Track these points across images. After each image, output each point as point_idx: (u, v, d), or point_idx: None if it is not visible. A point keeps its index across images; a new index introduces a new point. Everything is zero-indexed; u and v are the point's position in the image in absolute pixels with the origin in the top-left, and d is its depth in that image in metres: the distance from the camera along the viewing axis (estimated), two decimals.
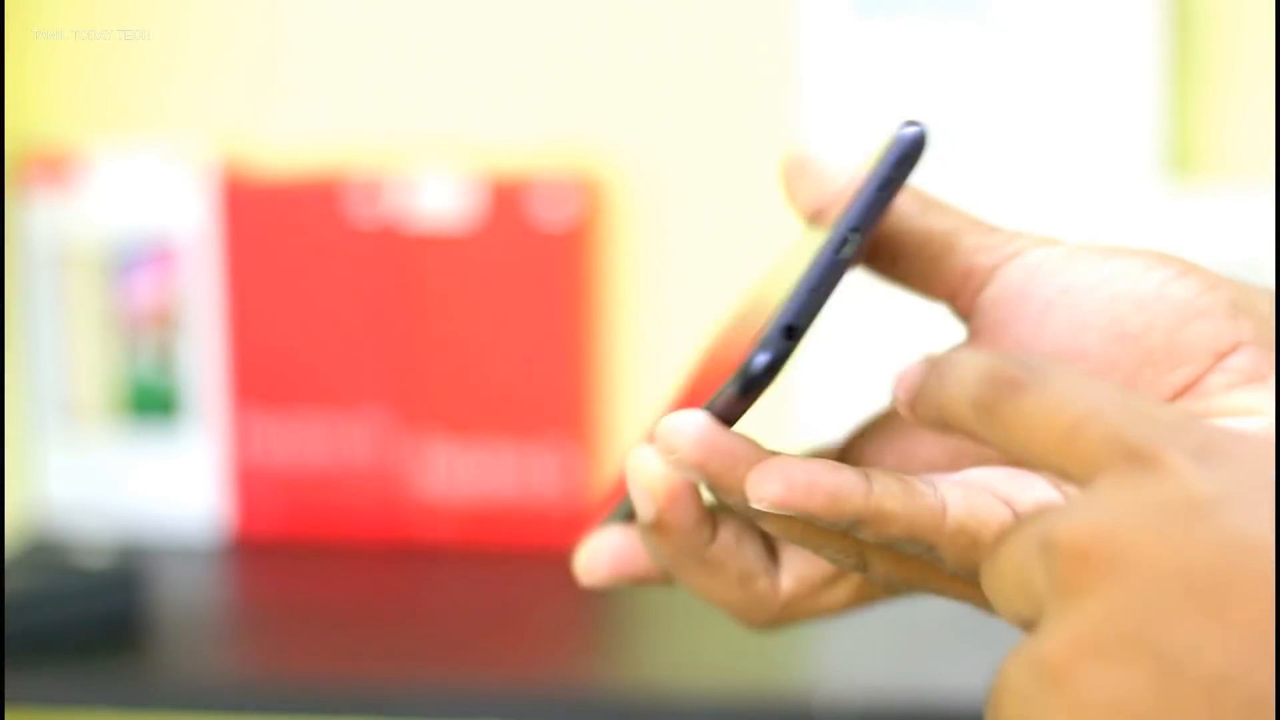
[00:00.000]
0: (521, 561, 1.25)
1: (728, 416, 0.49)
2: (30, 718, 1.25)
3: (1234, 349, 0.49)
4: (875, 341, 1.23)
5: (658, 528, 0.52)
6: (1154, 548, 0.40)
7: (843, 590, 0.54)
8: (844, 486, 0.49)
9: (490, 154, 1.30)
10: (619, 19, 1.28)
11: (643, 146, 1.29)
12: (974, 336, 0.54)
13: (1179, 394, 0.51)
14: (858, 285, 1.23)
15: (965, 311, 0.55)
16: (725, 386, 0.48)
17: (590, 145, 1.29)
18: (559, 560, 1.25)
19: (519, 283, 1.26)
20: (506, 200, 1.25)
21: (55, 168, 1.27)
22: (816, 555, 0.52)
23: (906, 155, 0.49)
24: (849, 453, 0.55)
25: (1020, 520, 0.45)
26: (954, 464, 0.54)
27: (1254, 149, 1.25)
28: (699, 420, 0.49)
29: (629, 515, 0.55)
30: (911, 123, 0.49)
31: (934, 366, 0.48)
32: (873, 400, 1.24)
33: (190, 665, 1.09)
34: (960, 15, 1.21)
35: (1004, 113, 1.21)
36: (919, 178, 1.23)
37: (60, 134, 1.31)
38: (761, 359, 0.48)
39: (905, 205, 0.53)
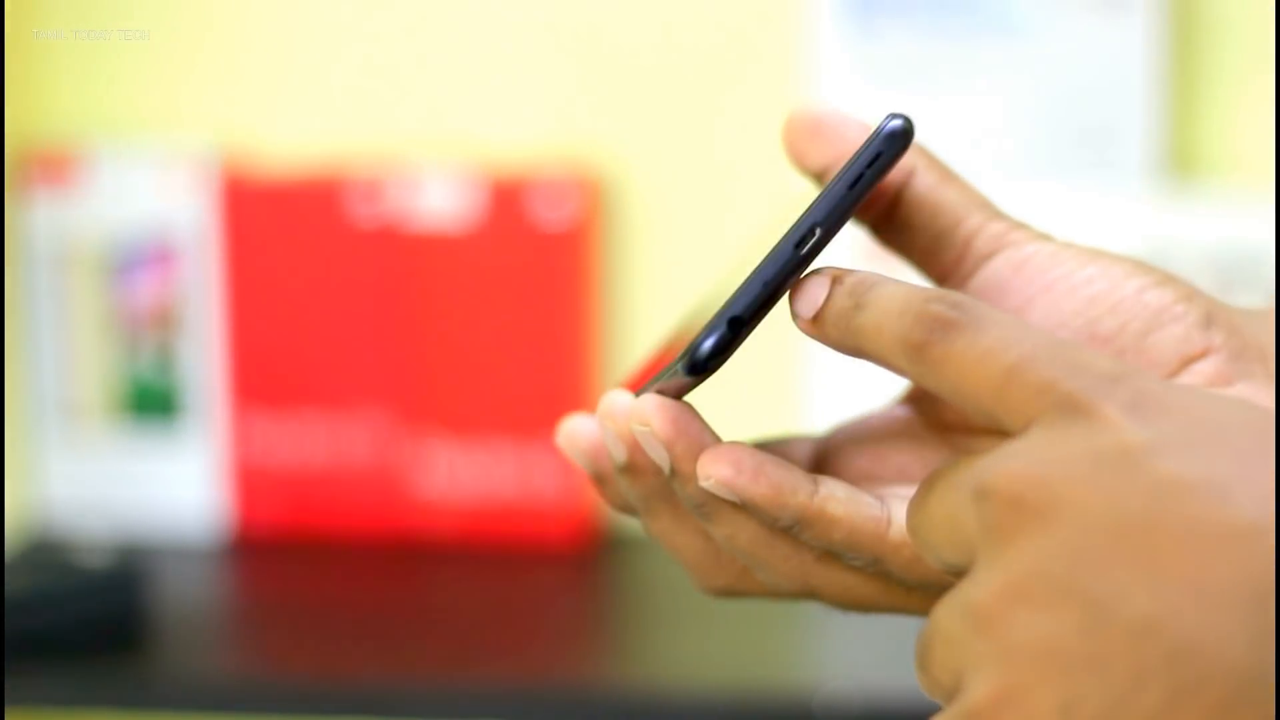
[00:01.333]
0: (521, 561, 1.25)
1: (675, 392, 0.50)
2: (30, 718, 1.25)
3: (1203, 355, 0.50)
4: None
5: (630, 469, 0.53)
6: (1086, 495, 0.41)
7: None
8: (789, 481, 0.50)
9: (490, 154, 1.30)
10: (619, 21, 1.28)
11: (643, 147, 1.29)
12: None
13: None
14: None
15: None
16: (674, 365, 0.49)
17: (590, 145, 1.29)
18: (559, 560, 1.25)
19: (519, 283, 1.26)
20: (506, 200, 1.25)
21: (55, 168, 1.27)
22: (763, 579, 0.52)
23: (885, 151, 0.49)
24: (824, 449, 0.55)
25: (951, 466, 0.45)
26: (927, 471, 0.54)
27: (1254, 149, 1.25)
28: (675, 403, 0.51)
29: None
30: (896, 115, 0.49)
31: (845, 287, 0.48)
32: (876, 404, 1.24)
33: (190, 665, 1.09)
34: (960, 18, 1.21)
35: (1005, 113, 1.21)
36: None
37: (60, 134, 1.31)
38: (707, 345, 0.48)
39: (924, 175, 0.54)
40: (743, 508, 0.50)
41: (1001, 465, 0.42)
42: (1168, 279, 0.51)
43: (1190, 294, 0.51)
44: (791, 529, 0.50)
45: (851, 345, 0.48)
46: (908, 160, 0.53)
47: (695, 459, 0.50)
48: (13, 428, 1.33)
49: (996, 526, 0.42)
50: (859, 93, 1.22)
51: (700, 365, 0.48)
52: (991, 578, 0.41)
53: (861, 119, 0.55)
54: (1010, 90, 1.21)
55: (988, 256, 0.53)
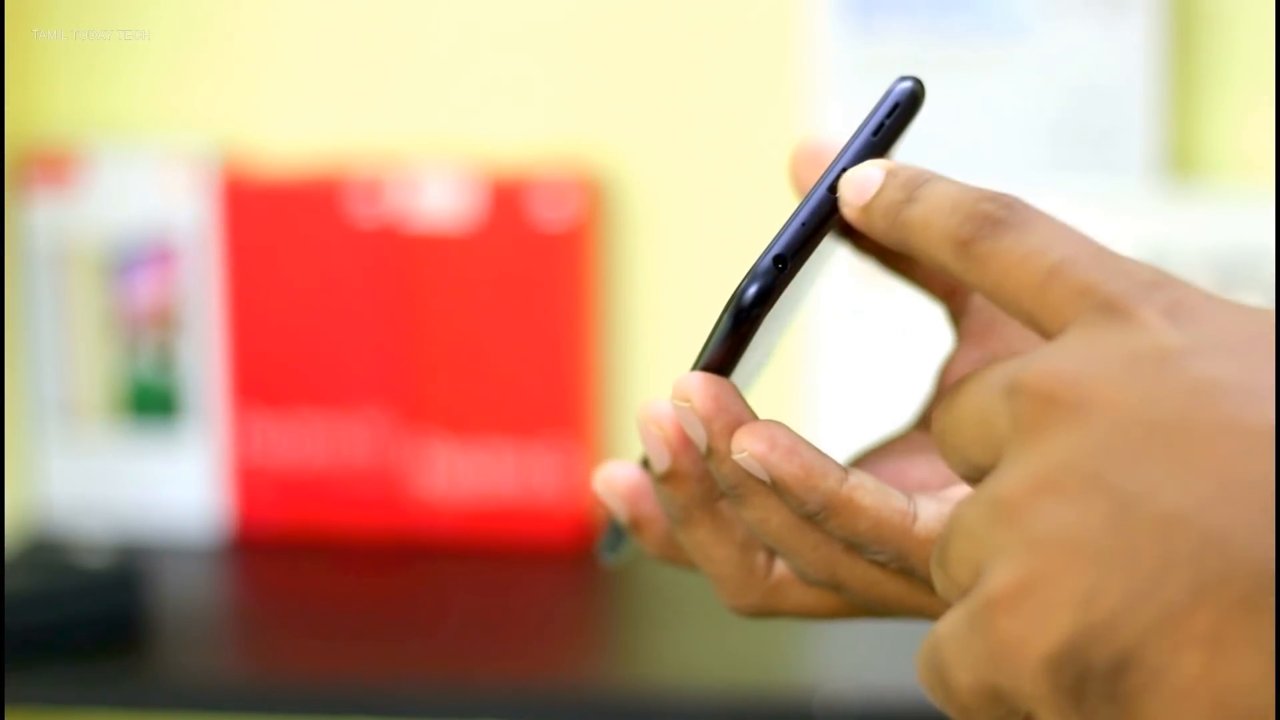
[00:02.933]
0: (521, 561, 1.25)
1: (721, 354, 0.51)
2: (30, 718, 1.25)
3: None
4: (892, 370, 1.23)
5: (672, 476, 0.53)
6: (1120, 393, 0.41)
7: (830, 591, 0.54)
8: (821, 464, 0.50)
9: (490, 154, 1.30)
10: (618, 21, 1.28)
11: (643, 147, 1.29)
12: (963, 337, 0.54)
13: None
14: (875, 313, 1.23)
15: (958, 311, 0.55)
16: (719, 319, 0.49)
17: (590, 145, 1.29)
18: (559, 560, 1.25)
19: (519, 283, 1.26)
20: (506, 200, 1.25)
21: (55, 168, 1.27)
22: (789, 564, 0.52)
23: (900, 105, 0.50)
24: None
25: (982, 369, 0.45)
26: (946, 485, 0.54)
27: (1254, 149, 1.25)
28: (717, 379, 0.51)
29: None
30: (907, 77, 0.51)
31: (899, 179, 0.48)
32: (888, 424, 1.24)
33: (190, 665, 1.09)
34: (960, 17, 1.21)
35: (1005, 113, 1.22)
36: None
37: (60, 134, 1.31)
38: (752, 289, 0.49)
39: None
40: (775, 491, 0.50)
41: (1036, 363, 0.42)
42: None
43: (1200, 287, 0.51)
44: (817, 515, 0.50)
45: (898, 237, 0.48)
46: None
47: (732, 436, 0.50)
48: (13, 428, 1.33)
49: (1028, 421, 0.42)
50: (859, 93, 1.22)
51: (745, 311, 0.49)
52: (1019, 470, 0.41)
53: None
54: (1010, 90, 1.21)
55: None
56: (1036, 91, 1.21)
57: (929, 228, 0.47)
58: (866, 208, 0.49)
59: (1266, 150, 1.25)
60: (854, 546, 0.50)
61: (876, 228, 0.49)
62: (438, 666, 1.08)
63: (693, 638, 1.12)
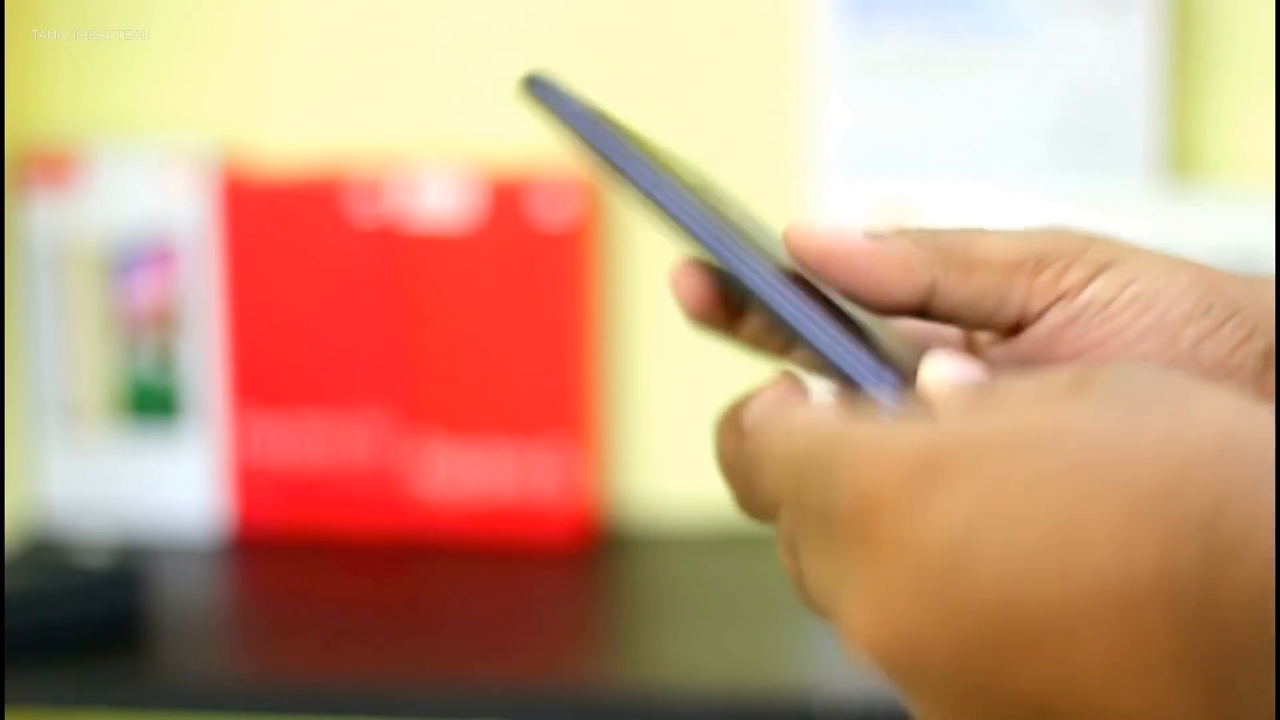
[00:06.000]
0: (521, 561, 1.25)
1: (619, 166, 0.53)
2: (30, 718, 1.25)
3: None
4: None
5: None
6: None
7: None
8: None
9: (490, 154, 1.30)
10: (618, 21, 1.28)
11: None
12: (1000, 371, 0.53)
13: None
14: None
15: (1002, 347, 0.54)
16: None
17: None
18: (559, 560, 1.25)
19: (519, 283, 1.26)
20: (506, 200, 1.25)
21: (55, 168, 1.27)
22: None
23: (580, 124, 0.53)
24: None
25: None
26: None
27: (1254, 149, 1.25)
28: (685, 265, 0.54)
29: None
30: (533, 78, 0.52)
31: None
32: None
33: (190, 665, 1.09)
34: (960, 17, 1.21)
35: (1005, 113, 1.21)
36: (923, 194, 1.23)
37: (60, 134, 1.31)
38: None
39: (947, 278, 0.51)
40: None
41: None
42: (1230, 312, 0.50)
43: (1250, 333, 0.50)
44: None
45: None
46: (922, 278, 0.52)
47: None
48: (13, 428, 1.33)
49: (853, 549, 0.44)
50: (859, 92, 1.22)
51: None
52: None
53: (846, 226, 0.55)
54: (1010, 90, 1.21)
55: (1041, 313, 0.52)
56: (1036, 91, 1.21)
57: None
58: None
59: (1266, 150, 1.25)
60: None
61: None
62: (438, 666, 1.08)
63: (693, 638, 1.12)
